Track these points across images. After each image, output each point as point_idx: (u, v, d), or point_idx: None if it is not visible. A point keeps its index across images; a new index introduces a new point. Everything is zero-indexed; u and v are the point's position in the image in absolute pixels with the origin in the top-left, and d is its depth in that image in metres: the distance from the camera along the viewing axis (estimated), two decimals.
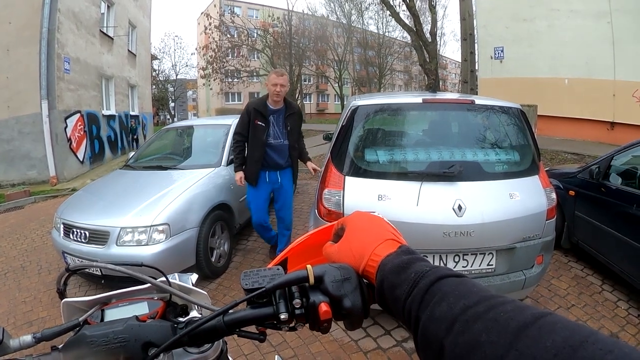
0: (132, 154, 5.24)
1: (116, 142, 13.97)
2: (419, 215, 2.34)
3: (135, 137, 15.56)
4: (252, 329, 0.54)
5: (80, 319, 0.60)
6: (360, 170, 2.58)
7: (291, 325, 0.50)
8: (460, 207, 2.33)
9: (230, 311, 0.52)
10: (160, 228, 3.20)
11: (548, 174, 2.80)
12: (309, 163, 3.79)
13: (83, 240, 3.31)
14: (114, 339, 0.52)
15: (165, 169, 4.42)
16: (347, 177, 2.55)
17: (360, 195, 2.49)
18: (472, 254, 2.41)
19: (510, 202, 2.41)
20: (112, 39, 13.76)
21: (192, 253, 3.44)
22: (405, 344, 2.64)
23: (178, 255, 3.31)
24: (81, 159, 11.30)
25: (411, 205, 2.38)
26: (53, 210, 4.15)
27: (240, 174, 3.56)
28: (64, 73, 10.34)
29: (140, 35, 17.29)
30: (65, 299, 0.62)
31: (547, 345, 0.30)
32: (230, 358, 0.71)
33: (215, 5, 31.93)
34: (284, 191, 3.75)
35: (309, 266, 0.50)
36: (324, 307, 0.47)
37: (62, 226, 3.53)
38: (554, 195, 2.58)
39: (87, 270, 3.21)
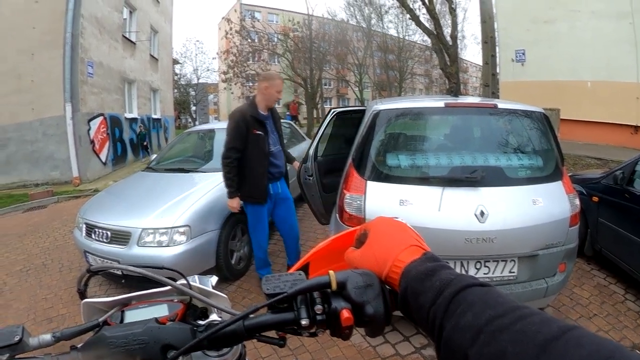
0: (154, 156, 5.33)
1: (138, 145, 14.29)
2: (440, 221, 2.32)
3: (145, 143, 14.29)
4: (272, 333, 0.54)
5: (100, 319, 0.60)
6: (382, 175, 2.57)
7: (312, 331, 0.50)
8: (482, 213, 2.30)
9: (251, 316, 0.52)
10: (181, 230, 3.24)
11: (571, 180, 2.74)
12: (295, 163, 3.71)
13: (105, 240, 3.38)
14: (133, 341, 0.53)
15: (187, 171, 4.46)
16: (368, 182, 2.54)
17: (381, 200, 2.48)
18: (493, 261, 2.37)
19: (533, 208, 2.37)
20: (135, 43, 14.06)
21: (212, 255, 3.47)
22: (424, 351, 2.61)
23: (198, 257, 3.34)
24: (104, 161, 11.56)
25: (433, 210, 2.36)
26: (75, 210, 4.24)
27: (237, 201, 3.23)
28: (87, 77, 10.60)
29: (162, 40, 17.64)
30: (86, 300, 0.63)
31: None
32: None
33: (235, 10, 32.24)
34: (287, 199, 3.56)
35: (331, 272, 0.49)
36: (345, 314, 0.47)
37: (84, 226, 3.60)
38: (577, 202, 2.52)
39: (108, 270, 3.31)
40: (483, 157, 2.60)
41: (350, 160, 2.78)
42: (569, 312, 3.02)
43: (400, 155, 2.69)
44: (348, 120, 3.95)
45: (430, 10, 10.21)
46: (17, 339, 0.52)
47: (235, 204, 3.23)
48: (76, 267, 4.41)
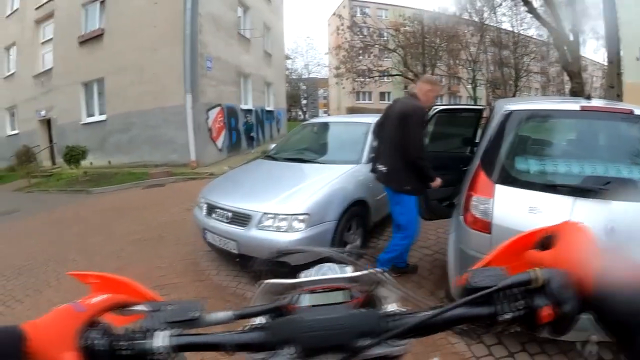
0: (272, 145, 5.57)
1: (245, 136, 15.24)
2: None
3: (251, 134, 14.77)
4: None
5: (282, 302, 0.58)
6: (511, 179, 2.45)
7: (507, 327, 0.50)
8: (612, 230, 2.06)
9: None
10: (300, 217, 3.32)
11: None
12: None
13: (225, 220, 3.60)
14: (330, 326, 0.52)
15: (307, 162, 4.59)
16: (497, 185, 2.43)
17: (510, 205, 2.36)
18: None
19: None
20: (249, 40, 15.05)
21: (327, 245, 3.48)
22: None
23: (313, 245, 3.37)
24: (219, 147, 12.60)
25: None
26: (192, 190, 4.57)
27: (438, 179, 3.30)
28: (207, 70, 11.55)
29: (274, 37, 18.68)
30: (267, 280, 0.61)
31: None
32: None
33: (344, 7, 32.78)
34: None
35: (537, 269, 0.49)
36: (547, 311, 0.47)
37: (205, 205, 3.87)
38: None
39: (221, 245, 3.52)
40: (615, 168, 2.39)
41: (478, 161, 2.67)
42: None
43: (531, 159, 2.56)
44: (451, 119, 3.94)
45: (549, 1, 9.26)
46: (195, 315, 0.53)
47: (438, 181, 3.31)
48: (191, 242, 4.68)
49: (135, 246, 4.75)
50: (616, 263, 0.48)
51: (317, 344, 0.51)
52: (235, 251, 3.47)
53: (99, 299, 0.52)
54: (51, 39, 13.93)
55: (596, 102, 2.91)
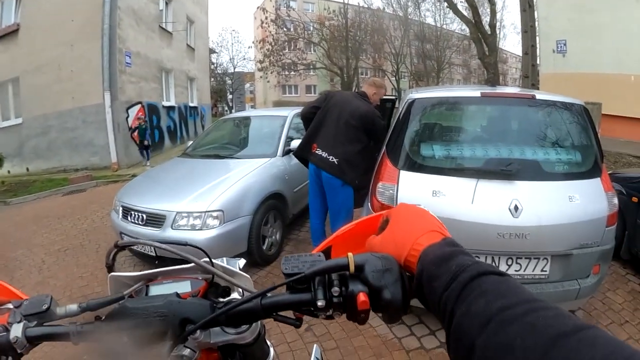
0: (190, 142, 5.47)
1: (175, 132, 14.80)
2: (473, 214, 2.28)
3: (145, 142, 10.75)
4: (289, 314, 0.54)
5: (125, 292, 0.61)
6: (416, 165, 2.55)
7: (328, 313, 0.49)
8: (516, 208, 2.24)
9: (269, 295, 0.52)
10: (214, 214, 3.33)
11: (610, 178, 2.63)
12: None
13: (140, 222, 3.52)
14: (154, 313, 0.54)
15: (222, 157, 4.57)
16: (401, 171, 2.52)
17: (414, 190, 2.46)
18: (525, 258, 2.32)
19: (569, 205, 2.29)
20: (171, 34, 14.42)
21: (244, 240, 3.54)
22: None
23: (230, 241, 3.42)
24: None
25: (466, 203, 2.32)
26: (113, 194, 4.41)
27: None
28: (126, 66, 10.96)
29: (198, 30, 18.02)
30: (112, 273, 0.64)
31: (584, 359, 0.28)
32: (268, 342, 0.71)
33: (271, 0, 32.54)
34: None
35: (350, 254, 0.49)
36: (362, 297, 0.46)
37: (121, 208, 3.75)
38: (615, 201, 2.41)
39: (139, 249, 3.41)
40: (519, 150, 2.53)
41: (384, 149, 2.76)
42: (600, 317, 2.90)
43: (435, 145, 2.65)
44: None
45: None
46: (45, 307, 0.55)
47: None
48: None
49: (56, 257, 4.51)
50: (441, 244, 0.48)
51: (142, 330, 0.53)
52: (152, 254, 3.40)
53: None
54: None
55: (499, 89, 3.04)
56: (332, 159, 3.32)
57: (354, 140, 3.31)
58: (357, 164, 3.30)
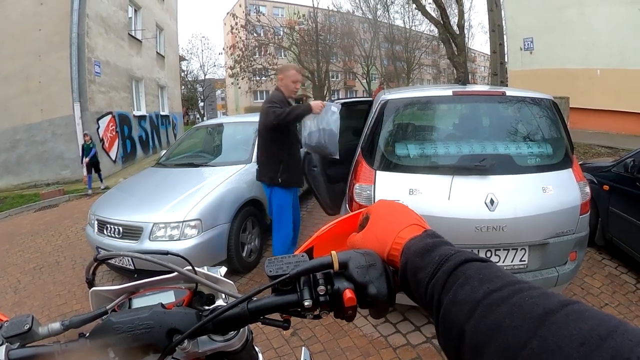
0: (163, 152, 5.39)
1: (147, 142, 14.43)
2: (450, 210, 2.32)
3: (88, 160, 8.83)
4: (277, 316, 0.54)
5: (108, 307, 0.60)
6: (391, 165, 2.58)
7: (315, 313, 0.49)
8: (492, 202, 2.29)
9: (255, 299, 0.51)
10: (192, 223, 3.28)
11: (581, 168, 2.72)
12: None
13: (117, 235, 3.43)
14: (139, 325, 0.52)
15: (197, 166, 4.52)
16: (378, 172, 2.55)
17: (391, 189, 2.48)
18: (504, 250, 2.37)
19: (543, 196, 2.36)
20: (141, 41, 14.13)
21: (223, 248, 3.51)
22: (435, 341, 2.59)
23: (210, 250, 3.38)
24: (113, 159, 11.67)
25: (442, 199, 2.35)
26: (87, 208, 4.29)
27: (318, 102, 3.22)
28: (95, 76, 10.69)
29: (167, 38, 17.71)
30: (93, 288, 0.63)
31: (573, 333, 0.28)
32: (256, 347, 0.70)
33: (240, 5, 32.35)
34: (297, 191, 3.70)
35: (333, 252, 0.49)
36: (348, 294, 0.46)
37: (96, 222, 3.66)
38: (587, 189, 2.50)
39: (117, 262, 3.31)
40: (492, 145, 2.59)
41: (359, 150, 2.78)
42: (580, 301, 2.99)
43: (409, 144, 2.68)
44: (353, 112, 3.92)
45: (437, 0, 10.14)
46: (27, 327, 0.53)
47: (320, 103, 3.21)
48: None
49: (32, 276, 4.35)
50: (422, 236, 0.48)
51: (129, 344, 0.51)
52: (131, 267, 3.32)
53: None
54: None
55: (470, 88, 3.09)
56: (257, 166, 3.47)
57: (263, 141, 3.38)
58: (268, 162, 3.33)
